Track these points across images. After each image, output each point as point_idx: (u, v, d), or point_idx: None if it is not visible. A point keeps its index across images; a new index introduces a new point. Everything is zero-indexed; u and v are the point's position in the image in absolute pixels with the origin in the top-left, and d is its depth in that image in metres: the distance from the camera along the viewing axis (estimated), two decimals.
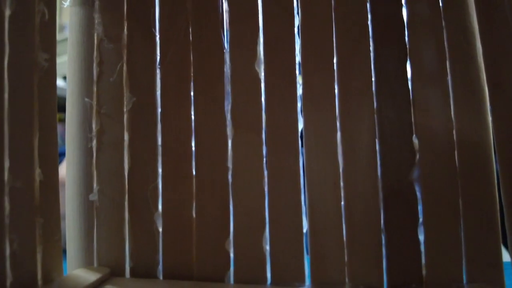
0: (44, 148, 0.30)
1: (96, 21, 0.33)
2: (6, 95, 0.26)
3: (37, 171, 0.29)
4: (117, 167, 0.32)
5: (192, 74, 0.32)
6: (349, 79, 0.30)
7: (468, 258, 0.29)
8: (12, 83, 0.27)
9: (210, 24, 0.32)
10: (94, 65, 0.33)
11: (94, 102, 0.33)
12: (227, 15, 0.32)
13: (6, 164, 0.26)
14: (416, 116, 0.29)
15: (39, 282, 0.29)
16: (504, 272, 0.28)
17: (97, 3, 0.33)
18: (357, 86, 0.30)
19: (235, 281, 0.30)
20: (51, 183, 0.30)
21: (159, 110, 0.32)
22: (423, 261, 0.29)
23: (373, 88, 0.30)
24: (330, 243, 0.30)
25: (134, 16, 0.33)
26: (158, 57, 0.32)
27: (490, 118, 0.29)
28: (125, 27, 0.33)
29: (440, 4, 0.30)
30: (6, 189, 0.26)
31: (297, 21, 0.31)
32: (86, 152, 0.32)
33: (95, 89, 0.33)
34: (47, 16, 0.30)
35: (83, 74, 0.33)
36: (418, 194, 0.29)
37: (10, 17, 0.27)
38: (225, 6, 0.32)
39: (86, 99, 0.32)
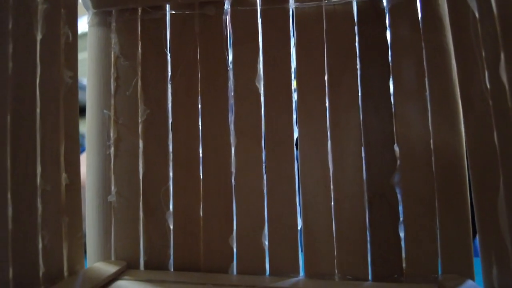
0: (69, 155, 0.33)
1: (113, 41, 0.36)
2: (38, 110, 0.30)
3: (63, 175, 0.32)
4: (133, 171, 0.36)
5: (199, 89, 0.35)
6: (338, 94, 0.34)
7: (443, 253, 0.32)
8: (43, 98, 0.30)
9: (216, 45, 0.35)
10: (112, 80, 0.36)
11: (112, 114, 0.36)
12: (230, 37, 0.35)
13: (38, 169, 0.29)
14: (398, 127, 0.33)
15: (65, 273, 0.32)
16: (473, 264, 0.32)
17: (113, 24, 0.37)
18: (346, 100, 0.34)
19: (238, 272, 0.34)
20: (75, 186, 0.34)
21: (170, 120, 0.36)
22: (404, 255, 0.32)
23: (360, 102, 0.33)
24: (321, 239, 0.33)
25: (148, 37, 0.36)
26: (169, 74, 0.36)
27: (462, 129, 0.32)
28: (139, 47, 0.36)
29: (420, 28, 0.33)
30: (39, 192, 0.29)
31: (292, 43, 0.34)
32: (105, 158, 0.36)
33: (112, 102, 0.36)
34: (70, 38, 0.34)
35: (102, 88, 0.36)
36: (399, 196, 0.32)
37: (41, 40, 0.30)
38: (229, 29, 0.35)
39: (105, 111, 0.36)
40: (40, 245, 0.29)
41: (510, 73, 0.24)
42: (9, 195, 0.27)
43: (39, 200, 0.29)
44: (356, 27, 0.34)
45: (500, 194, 0.26)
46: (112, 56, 0.36)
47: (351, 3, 0.34)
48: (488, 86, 0.27)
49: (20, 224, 0.27)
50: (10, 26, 0.28)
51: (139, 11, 0.36)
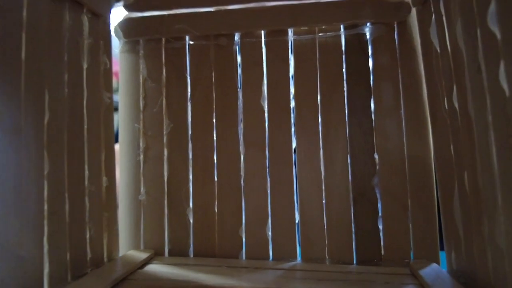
0: (107, 162, 0.39)
1: (141, 66, 0.43)
2: (85, 126, 0.36)
3: (104, 178, 0.39)
4: (159, 174, 0.42)
5: (214, 107, 0.42)
6: (328, 111, 0.40)
7: (414, 242, 0.38)
8: (88, 116, 0.36)
9: (228, 70, 0.41)
10: (141, 99, 0.42)
11: (141, 127, 0.42)
12: (240, 64, 0.41)
13: (86, 174, 0.36)
14: (377, 139, 0.39)
15: (105, 259, 0.38)
16: (439, 251, 0.38)
17: (141, 52, 0.43)
18: (335, 117, 0.40)
19: (246, 257, 0.40)
20: (112, 187, 0.40)
21: (190, 132, 0.42)
22: (382, 243, 0.38)
23: (346, 118, 0.39)
24: (315, 230, 0.39)
25: (171, 62, 0.42)
26: (189, 94, 0.42)
27: (430, 140, 0.38)
28: (164, 71, 0.42)
29: (397, 57, 0.40)
30: (86, 192, 0.36)
31: (291, 69, 0.41)
32: (136, 164, 0.42)
33: (141, 117, 0.42)
34: (108, 65, 0.40)
35: (132, 106, 0.43)
36: (378, 195, 0.39)
37: (87, 69, 0.37)
38: (238, 57, 0.41)
39: (136, 125, 0.42)
40: (88, 235, 0.36)
41: (460, 100, 0.30)
42: (66, 195, 0.33)
43: (86, 198, 0.36)
44: (343, 56, 0.40)
45: (455, 194, 0.33)
46: (141, 78, 0.43)
47: (339, 36, 0.40)
48: (447, 108, 0.33)
49: (74, 218, 0.34)
50: (66, 58, 0.34)
51: (163, 41, 0.42)
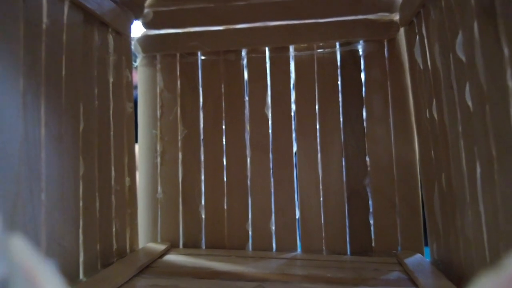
0: (129, 164, 0.44)
1: (158, 78, 0.47)
2: (111, 133, 0.41)
3: (127, 179, 0.43)
4: (174, 175, 0.46)
5: (223, 115, 0.46)
6: (325, 119, 0.44)
7: (401, 235, 0.43)
8: (114, 124, 0.41)
9: (236, 82, 0.46)
10: (158, 107, 0.47)
11: (158, 133, 0.47)
12: (246, 76, 0.46)
13: (113, 175, 0.40)
14: (368, 144, 0.44)
15: (128, 250, 0.43)
16: (423, 243, 0.43)
17: (158, 65, 0.48)
18: (331, 124, 0.44)
19: (252, 249, 0.44)
20: (133, 187, 0.45)
21: (202, 137, 0.46)
22: (373, 236, 0.43)
23: (341, 125, 0.44)
24: (313, 225, 0.44)
25: (185, 75, 0.47)
26: (201, 103, 0.47)
27: (416, 145, 0.43)
28: (178, 83, 0.47)
29: (387, 71, 0.44)
30: (112, 191, 0.40)
31: (292, 81, 0.45)
32: (153, 166, 0.47)
33: (158, 124, 0.47)
34: (129, 78, 0.45)
35: (150, 114, 0.47)
36: (369, 193, 0.43)
37: (112, 82, 0.41)
38: (245, 71, 0.46)
39: (154, 131, 0.47)
40: (114, 229, 0.40)
41: (438, 112, 0.35)
42: (97, 193, 0.37)
43: (113, 197, 0.40)
44: (339, 70, 0.45)
45: (435, 192, 0.37)
46: (158, 89, 0.47)
47: (335, 52, 0.45)
48: (428, 117, 0.38)
49: (102, 214, 0.38)
50: (95, 74, 0.38)
51: (178, 56, 0.47)
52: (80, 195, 0.34)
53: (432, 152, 0.37)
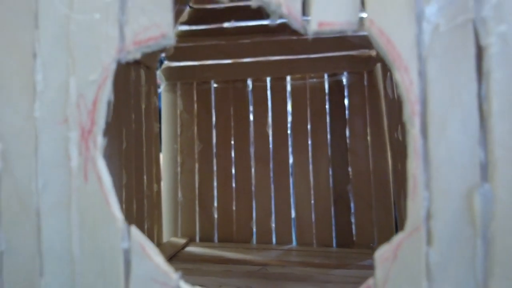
0: (157, 173, 0.53)
1: (178, 102, 0.57)
2: (144, 149, 0.50)
3: (155, 185, 0.53)
4: (192, 182, 0.56)
5: (232, 132, 0.56)
6: (316, 136, 0.54)
7: (377, 230, 0.52)
8: (145, 141, 0.51)
9: (242, 106, 0.55)
10: (178, 126, 0.57)
11: (178, 147, 0.56)
12: (251, 101, 0.56)
13: (145, 183, 0.50)
14: (350, 157, 0.53)
15: (156, 244, 0.52)
16: None
17: (178, 92, 0.57)
18: (320, 140, 0.54)
19: (256, 242, 0.54)
20: (160, 192, 0.54)
21: (214, 151, 0.56)
22: (354, 232, 0.53)
23: (328, 142, 0.54)
24: (305, 223, 0.53)
25: (200, 100, 0.57)
26: (214, 123, 0.56)
27: (389, 158, 0.52)
28: (195, 106, 0.57)
29: (366, 97, 0.54)
30: (144, 195, 0.50)
31: (289, 105, 0.55)
32: (175, 175, 0.56)
33: (179, 140, 0.56)
34: (156, 103, 0.54)
35: (172, 132, 0.57)
36: (351, 197, 0.53)
37: (144, 108, 0.51)
38: (250, 97, 0.55)
39: (175, 145, 0.56)
40: (146, 227, 0.50)
41: (402, 133, 0.44)
42: (134, 198, 0.47)
43: (145, 200, 0.50)
44: (327, 96, 0.54)
45: (402, 197, 0.47)
46: (178, 111, 0.57)
47: (324, 81, 0.54)
48: (396, 137, 0.48)
49: (138, 214, 0.48)
50: (132, 102, 0.48)
51: (195, 84, 0.57)
52: (123, 200, 0.44)
53: (399, 164, 0.47)
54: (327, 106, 0.54)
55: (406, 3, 0.20)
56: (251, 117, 0.55)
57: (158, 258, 0.21)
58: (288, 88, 0.55)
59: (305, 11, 0.20)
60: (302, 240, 0.53)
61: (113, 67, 0.21)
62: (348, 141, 0.53)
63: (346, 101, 0.54)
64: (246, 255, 0.47)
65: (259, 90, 0.55)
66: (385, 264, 0.20)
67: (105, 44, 0.21)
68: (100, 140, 0.21)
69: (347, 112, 0.54)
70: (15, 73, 0.22)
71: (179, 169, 0.56)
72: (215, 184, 0.56)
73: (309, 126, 0.54)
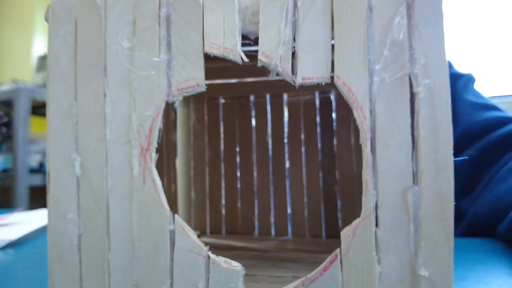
0: (174, 177, 0.63)
1: (191, 115, 0.66)
2: (164, 156, 0.59)
3: (172, 186, 0.62)
4: (203, 184, 0.65)
5: (237, 141, 0.65)
6: (309, 145, 0.63)
7: None
8: (166, 150, 0.60)
9: (246, 119, 0.65)
10: (191, 136, 0.66)
11: (192, 153, 0.66)
12: (254, 115, 0.65)
13: (165, 182, 0.59)
14: (337, 163, 0.63)
15: None
16: None
17: (191, 106, 0.67)
18: (312, 148, 0.63)
19: (258, 234, 0.64)
20: (176, 192, 0.64)
21: (222, 157, 0.65)
22: (340, 225, 0.62)
23: (319, 149, 0.63)
24: (299, 218, 0.63)
25: (210, 113, 0.66)
26: (222, 133, 0.66)
27: None
28: (206, 118, 0.66)
29: (350, 111, 0.63)
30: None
31: (285, 117, 0.64)
32: (188, 177, 0.66)
33: (192, 147, 0.66)
34: (174, 117, 0.64)
35: (185, 140, 0.66)
36: (338, 196, 0.62)
37: (164, 122, 0.60)
38: (253, 111, 0.65)
39: (188, 152, 0.66)
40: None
41: None
42: None
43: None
44: (317, 111, 0.64)
45: None
46: (191, 123, 0.66)
47: (315, 98, 0.64)
48: None
49: None
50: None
51: (205, 99, 0.66)
52: None
53: None
54: (317, 119, 0.63)
55: (362, 64, 0.29)
56: (253, 128, 0.65)
57: (193, 236, 0.30)
58: (285, 103, 0.64)
59: (293, 69, 0.30)
60: (296, 232, 0.63)
61: (163, 106, 0.30)
62: (335, 148, 0.63)
63: (333, 115, 0.63)
64: (249, 243, 0.57)
65: (260, 105, 0.65)
66: (347, 239, 0.29)
67: (158, 90, 0.30)
68: (153, 156, 0.30)
69: (334, 124, 0.63)
70: (92, 107, 0.32)
71: (192, 172, 0.66)
72: (223, 185, 0.65)
73: (302, 136, 0.64)
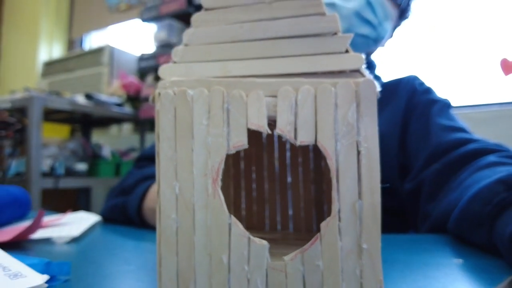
0: None
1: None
2: None
3: None
4: (228, 194, 0.93)
5: (253, 162, 0.92)
6: (304, 165, 0.91)
7: None
8: None
9: (259, 146, 0.92)
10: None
11: None
12: (264, 144, 0.92)
13: None
14: (324, 178, 0.90)
15: None
16: None
17: None
18: (306, 168, 0.91)
19: (269, 229, 0.91)
20: None
21: (242, 174, 0.92)
22: None
23: (311, 169, 0.90)
24: (298, 217, 0.90)
25: None
26: (242, 156, 0.93)
27: None
28: None
29: None
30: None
31: (287, 146, 0.92)
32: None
33: None
34: None
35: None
36: (325, 202, 0.90)
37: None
38: (264, 141, 0.92)
39: None
40: None
41: None
42: None
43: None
44: (310, 146, 0.91)
45: None
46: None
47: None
48: None
49: None
50: None
51: None
52: None
53: None
54: (310, 148, 0.91)
55: (331, 134, 0.57)
56: (264, 154, 0.92)
57: (241, 226, 0.58)
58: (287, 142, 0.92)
59: (295, 136, 0.57)
60: (295, 227, 0.90)
61: (224, 156, 0.57)
62: (323, 169, 0.90)
63: None
64: (263, 235, 0.84)
65: (269, 138, 0.92)
66: (324, 228, 0.57)
67: (222, 147, 0.58)
68: (219, 183, 0.58)
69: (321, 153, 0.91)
70: (184, 156, 0.59)
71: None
72: (243, 194, 0.92)
73: (299, 159, 0.91)
